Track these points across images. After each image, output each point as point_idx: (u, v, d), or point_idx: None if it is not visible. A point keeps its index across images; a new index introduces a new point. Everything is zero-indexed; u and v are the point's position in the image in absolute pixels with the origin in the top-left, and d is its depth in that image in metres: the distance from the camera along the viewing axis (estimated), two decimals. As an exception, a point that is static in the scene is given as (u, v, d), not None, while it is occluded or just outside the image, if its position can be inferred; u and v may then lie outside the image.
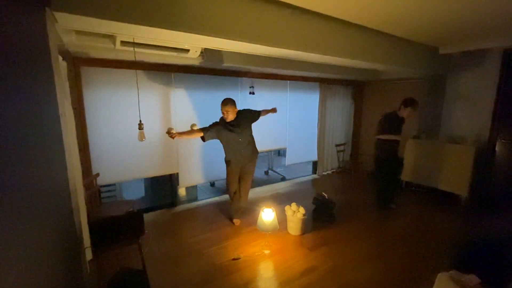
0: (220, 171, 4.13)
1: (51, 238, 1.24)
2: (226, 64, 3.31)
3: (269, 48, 2.36)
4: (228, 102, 2.92)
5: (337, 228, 3.18)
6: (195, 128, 3.01)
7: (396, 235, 3.05)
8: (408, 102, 3.42)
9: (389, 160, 3.58)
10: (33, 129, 1.10)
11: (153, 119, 3.43)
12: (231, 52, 3.08)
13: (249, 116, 3.15)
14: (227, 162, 3.17)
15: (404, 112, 3.45)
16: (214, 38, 2.03)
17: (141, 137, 2.48)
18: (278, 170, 6.05)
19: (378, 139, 3.55)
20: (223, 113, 2.96)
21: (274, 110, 3.41)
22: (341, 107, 5.50)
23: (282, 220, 3.03)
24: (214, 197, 4.25)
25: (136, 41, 2.36)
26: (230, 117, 2.96)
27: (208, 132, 2.99)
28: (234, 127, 3.02)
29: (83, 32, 2.23)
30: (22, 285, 0.88)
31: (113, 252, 2.40)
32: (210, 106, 3.87)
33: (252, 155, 3.20)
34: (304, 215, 2.95)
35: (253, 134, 3.23)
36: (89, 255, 2.23)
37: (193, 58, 2.93)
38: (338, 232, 3.08)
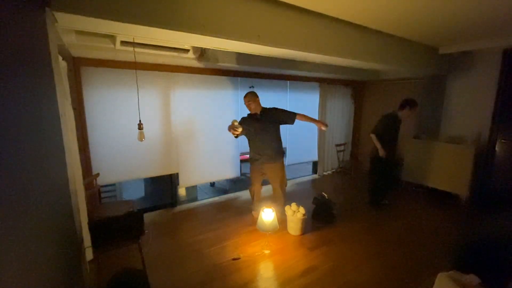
0: (220, 171, 4.14)
1: (51, 238, 1.24)
2: (226, 64, 3.31)
3: (269, 48, 2.36)
4: (247, 94, 3.05)
5: (337, 228, 3.18)
6: (236, 123, 2.92)
7: (396, 235, 3.05)
8: (411, 104, 3.45)
9: (383, 159, 3.60)
10: (33, 129, 1.10)
11: (153, 119, 3.43)
12: (231, 52, 3.09)
13: (276, 114, 3.10)
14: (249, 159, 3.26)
15: (405, 114, 3.48)
16: (214, 38, 2.03)
17: (141, 137, 2.48)
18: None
19: (383, 152, 3.57)
20: (246, 105, 3.08)
21: (321, 124, 3.13)
22: (341, 107, 5.50)
23: (282, 220, 3.03)
24: (214, 197, 4.25)
25: (136, 41, 2.37)
26: (253, 107, 3.03)
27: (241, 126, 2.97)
28: (257, 122, 3.06)
29: (83, 32, 2.23)
30: (22, 285, 0.88)
31: (113, 252, 2.40)
32: (210, 106, 3.87)
33: (275, 155, 3.13)
34: (304, 215, 2.95)
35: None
36: (89, 255, 2.24)
37: (193, 58, 2.93)
38: (338, 232, 3.08)
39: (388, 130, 3.54)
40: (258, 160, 3.15)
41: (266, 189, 4.60)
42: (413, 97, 3.60)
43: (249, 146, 3.22)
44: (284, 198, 3.29)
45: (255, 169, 3.23)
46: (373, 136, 3.56)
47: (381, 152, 3.51)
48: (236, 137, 3.05)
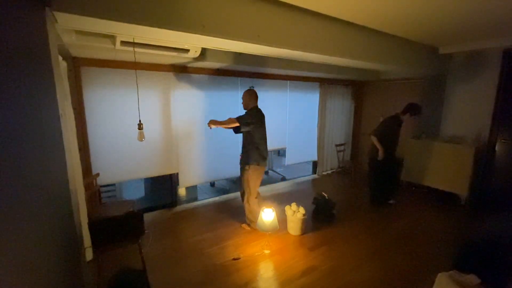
0: (220, 171, 4.14)
1: (51, 238, 1.24)
2: (226, 64, 3.31)
3: (269, 48, 2.36)
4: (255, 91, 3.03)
5: (337, 228, 3.18)
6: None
7: (396, 235, 3.05)
8: (411, 111, 3.47)
9: (383, 163, 3.61)
10: (33, 129, 1.10)
11: (153, 119, 3.43)
12: (231, 52, 3.08)
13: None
14: (257, 163, 2.91)
15: (407, 118, 3.51)
16: (214, 38, 2.03)
17: (141, 137, 2.48)
18: (278, 170, 6.05)
19: (383, 154, 3.58)
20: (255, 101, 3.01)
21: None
22: (341, 107, 5.50)
23: (282, 220, 3.03)
24: (214, 197, 4.25)
25: (136, 41, 2.36)
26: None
27: (246, 122, 2.81)
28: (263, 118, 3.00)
29: (83, 32, 2.23)
30: (22, 285, 0.88)
31: (113, 252, 2.40)
32: (210, 106, 3.87)
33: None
34: (304, 215, 2.95)
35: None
36: (89, 255, 2.24)
37: (193, 58, 2.93)
38: (338, 232, 3.08)
39: (389, 132, 3.56)
40: (264, 162, 3.00)
41: (266, 190, 4.61)
42: (414, 98, 3.61)
43: (257, 144, 2.92)
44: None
45: (261, 174, 3.01)
46: (374, 138, 3.58)
47: (381, 155, 3.52)
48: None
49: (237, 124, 2.82)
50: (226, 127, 2.93)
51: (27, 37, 1.12)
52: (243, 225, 3.18)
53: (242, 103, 3.04)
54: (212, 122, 2.83)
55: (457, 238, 2.99)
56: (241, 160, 3.04)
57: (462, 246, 2.71)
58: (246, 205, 3.05)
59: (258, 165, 2.93)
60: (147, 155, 3.44)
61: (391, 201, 3.91)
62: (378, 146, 3.53)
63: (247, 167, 2.92)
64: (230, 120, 2.84)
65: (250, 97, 3.00)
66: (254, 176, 2.93)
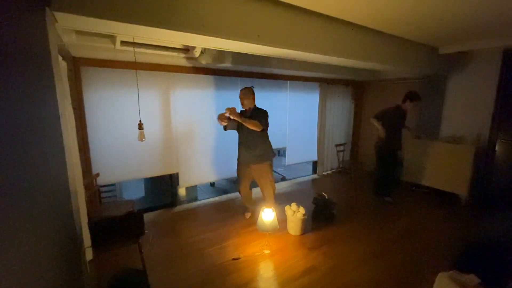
0: (220, 171, 4.14)
1: (51, 238, 1.24)
2: (226, 64, 3.31)
3: (269, 48, 2.36)
4: (242, 89, 3.07)
5: (337, 228, 3.18)
6: (226, 113, 2.92)
7: (396, 235, 3.05)
8: (411, 97, 3.48)
9: (389, 153, 3.64)
10: (33, 129, 1.10)
11: (153, 119, 3.43)
12: (231, 52, 3.08)
13: (258, 114, 3.05)
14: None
15: (408, 106, 3.52)
16: (214, 38, 2.03)
17: (141, 137, 2.48)
18: (278, 170, 6.04)
19: (383, 132, 3.60)
20: (240, 100, 3.12)
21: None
22: (341, 107, 5.50)
23: (282, 220, 3.03)
24: (214, 197, 4.25)
25: (136, 41, 2.37)
26: (245, 103, 3.07)
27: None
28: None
29: (83, 32, 2.23)
30: (22, 285, 0.88)
31: (113, 252, 2.40)
32: (210, 106, 3.87)
33: (259, 157, 3.10)
34: (304, 215, 2.95)
35: None
36: (89, 255, 2.24)
37: (193, 58, 2.93)
38: (338, 232, 3.08)
39: (392, 121, 3.58)
40: (244, 161, 3.16)
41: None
42: (416, 91, 3.63)
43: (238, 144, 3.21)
44: (272, 200, 3.23)
45: (241, 169, 3.25)
46: (372, 119, 3.61)
47: (381, 133, 3.53)
48: (225, 129, 3.10)
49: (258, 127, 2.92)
50: (247, 125, 2.92)
51: (27, 37, 1.12)
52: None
53: (248, 102, 3.08)
54: (233, 112, 2.86)
55: (457, 238, 2.99)
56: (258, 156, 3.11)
57: (462, 246, 2.72)
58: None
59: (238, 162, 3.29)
60: (147, 155, 3.44)
61: (387, 198, 3.92)
62: (378, 125, 3.54)
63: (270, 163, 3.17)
64: (253, 123, 2.89)
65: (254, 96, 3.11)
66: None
